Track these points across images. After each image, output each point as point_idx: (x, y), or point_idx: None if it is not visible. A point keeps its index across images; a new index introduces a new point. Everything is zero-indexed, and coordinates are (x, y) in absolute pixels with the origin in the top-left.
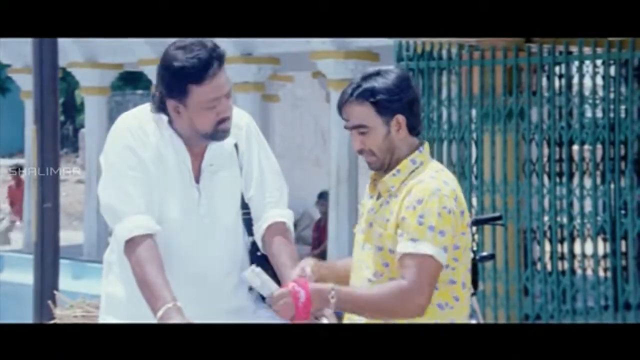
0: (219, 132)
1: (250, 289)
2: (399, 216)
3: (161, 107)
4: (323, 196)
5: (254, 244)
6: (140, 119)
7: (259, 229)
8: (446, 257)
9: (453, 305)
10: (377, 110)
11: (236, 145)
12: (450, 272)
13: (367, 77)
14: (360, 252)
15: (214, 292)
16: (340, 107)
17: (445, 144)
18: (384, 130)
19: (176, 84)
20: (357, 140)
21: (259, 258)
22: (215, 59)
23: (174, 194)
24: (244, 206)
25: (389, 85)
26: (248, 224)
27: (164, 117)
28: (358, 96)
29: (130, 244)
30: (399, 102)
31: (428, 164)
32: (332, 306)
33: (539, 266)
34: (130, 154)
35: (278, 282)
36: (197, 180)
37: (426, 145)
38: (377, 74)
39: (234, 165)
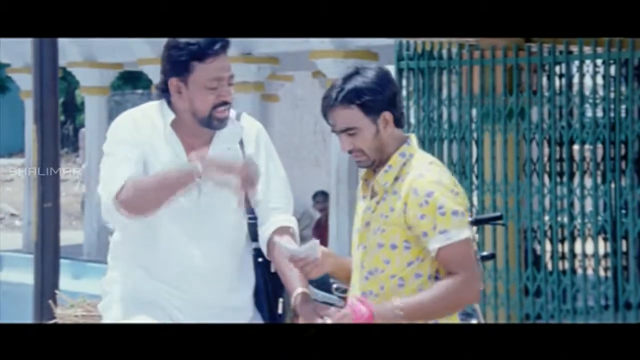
0: (214, 118)
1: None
2: (413, 216)
3: (163, 90)
4: (318, 196)
5: (256, 250)
6: (135, 118)
7: (264, 233)
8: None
9: None
10: (364, 111)
11: (242, 148)
12: (418, 264)
13: (347, 79)
14: (355, 252)
15: (210, 287)
16: (325, 111)
17: (445, 143)
18: (373, 130)
19: (180, 60)
20: (346, 141)
21: (261, 264)
22: (219, 41)
23: None
24: (250, 211)
25: (370, 84)
26: (253, 228)
27: (168, 114)
28: (343, 100)
29: (115, 199)
30: (383, 99)
31: (417, 156)
32: (400, 320)
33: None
34: (123, 148)
35: (282, 286)
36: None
37: (412, 136)
38: (357, 72)
39: None
